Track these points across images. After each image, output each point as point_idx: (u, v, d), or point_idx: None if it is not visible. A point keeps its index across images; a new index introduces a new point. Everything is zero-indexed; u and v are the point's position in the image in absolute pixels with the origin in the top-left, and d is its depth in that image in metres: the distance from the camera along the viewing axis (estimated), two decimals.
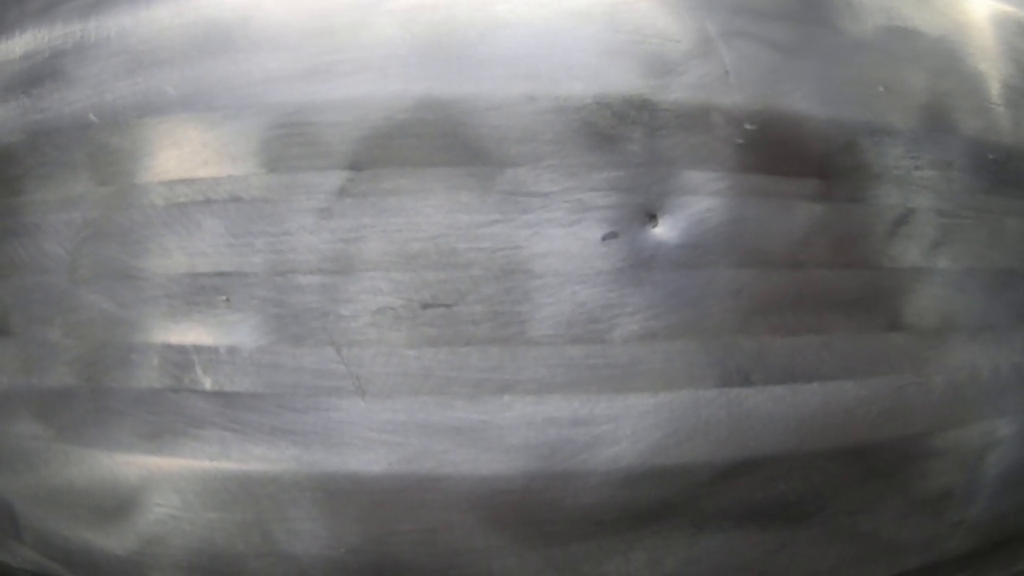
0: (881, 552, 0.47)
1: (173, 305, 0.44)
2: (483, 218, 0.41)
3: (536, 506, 0.42)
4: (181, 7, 0.45)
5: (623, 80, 0.42)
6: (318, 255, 0.42)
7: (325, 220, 0.42)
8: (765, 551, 0.45)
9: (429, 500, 0.42)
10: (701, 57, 0.43)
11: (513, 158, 0.41)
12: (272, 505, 0.43)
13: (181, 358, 0.43)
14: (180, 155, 0.43)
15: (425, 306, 0.41)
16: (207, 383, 0.43)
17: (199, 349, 0.43)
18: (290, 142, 0.42)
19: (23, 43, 0.47)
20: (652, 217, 0.42)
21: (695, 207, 0.42)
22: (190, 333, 0.43)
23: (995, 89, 0.49)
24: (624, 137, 0.42)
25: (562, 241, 0.41)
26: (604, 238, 0.42)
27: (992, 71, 0.50)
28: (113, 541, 0.47)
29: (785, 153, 0.44)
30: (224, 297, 0.43)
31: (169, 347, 0.44)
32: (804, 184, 0.44)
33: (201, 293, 0.43)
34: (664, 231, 0.42)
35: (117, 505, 0.46)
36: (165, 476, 0.44)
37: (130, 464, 0.45)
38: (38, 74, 0.46)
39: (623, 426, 0.42)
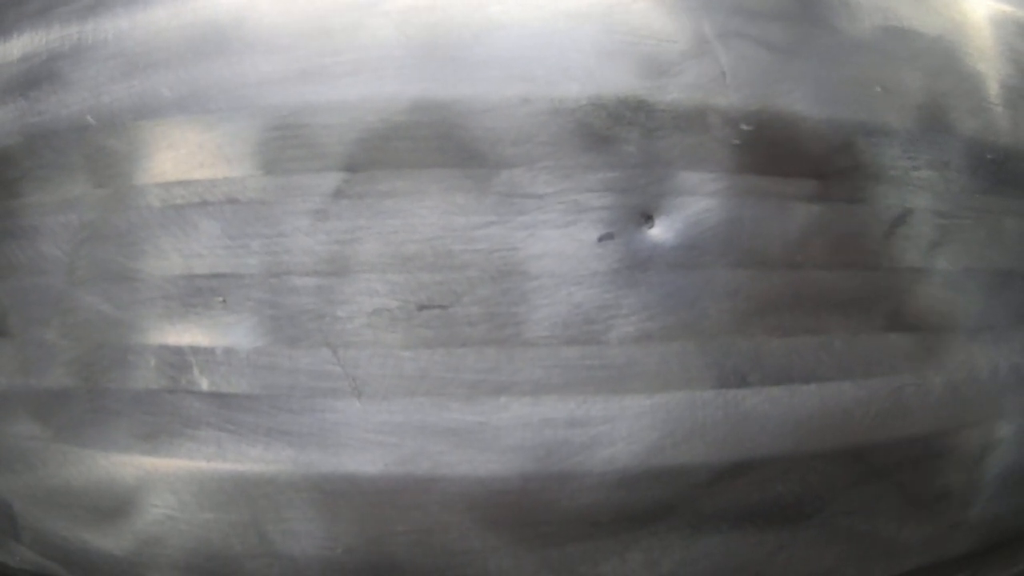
0: (880, 553, 0.47)
1: (170, 306, 0.44)
2: (479, 220, 0.41)
3: (532, 507, 0.42)
4: (178, 9, 0.45)
5: (619, 81, 0.42)
6: (314, 257, 0.42)
7: (321, 222, 0.42)
8: (763, 552, 0.45)
9: (425, 501, 0.42)
10: (697, 58, 0.43)
11: (508, 160, 0.41)
12: (268, 506, 0.43)
13: (178, 359, 0.44)
14: (176, 157, 0.44)
15: (421, 307, 0.41)
16: (204, 384, 0.43)
17: (196, 350, 0.43)
18: (286, 144, 0.42)
19: (21, 46, 0.48)
20: (648, 218, 0.42)
21: (691, 208, 0.42)
22: (187, 334, 0.43)
23: (993, 89, 0.49)
24: (620, 138, 0.42)
25: (558, 242, 0.41)
26: (600, 239, 0.42)
27: (990, 71, 0.49)
28: (110, 541, 0.47)
29: (782, 154, 0.44)
30: (220, 298, 0.43)
31: (166, 348, 0.44)
32: (801, 185, 0.44)
33: (198, 294, 0.43)
34: (660, 232, 0.42)
35: (114, 505, 0.46)
36: (161, 477, 0.44)
37: (127, 465, 0.45)
38: (35, 77, 0.47)
39: (619, 427, 0.42)
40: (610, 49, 0.42)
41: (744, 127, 0.43)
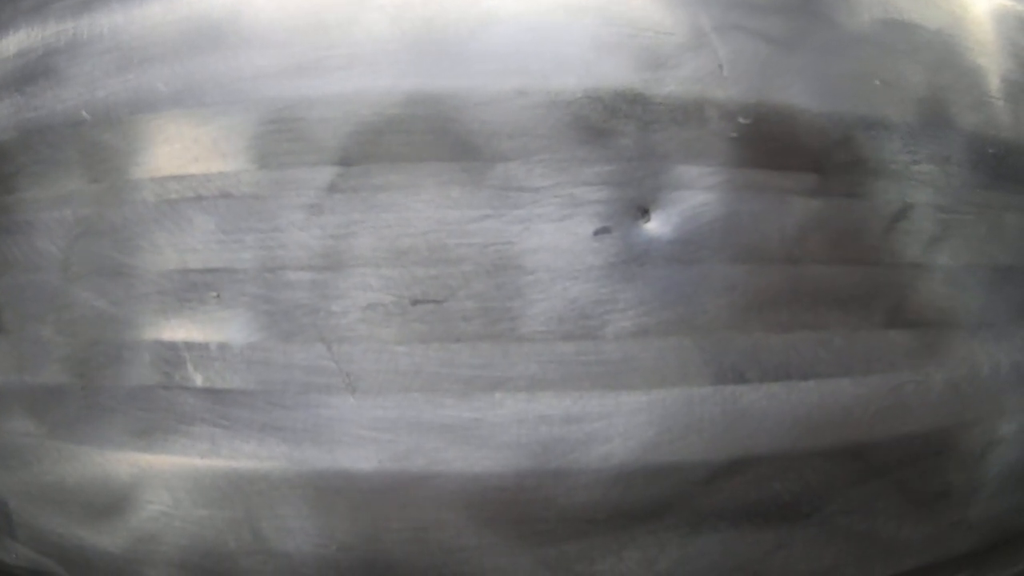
0: (879, 552, 0.47)
1: (164, 302, 0.43)
2: (474, 213, 0.41)
3: (528, 504, 0.42)
4: (173, 4, 0.45)
5: (615, 74, 0.41)
6: (308, 251, 0.42)
7: (315, 216, 0.42)
8: (761, 551, 0.45)
9: (420, 498, 0.42)
10: (695, 50, 0.42)
11: (504, 153, 0.41)
12: (262, 502, 0.43)
13: (172, 355, 0.43)
14: (171, 151, 0.43)
15: (415, 302, 0.41)
16: (198, 380, 0.43)
17: (190, 346, 0.43)
18: (280, 138, 0.42)
19: (16, 41, 0.48)
20: (645, 212, 0.42)
21: (689, 202, 0.42)
22: (181, 330, 0.43)
23: (994, 83, 0.49)
24: (616, 131, 0.41)
25: (553, 236, 0.41)
26: (596, 233, 0.41)
27: (991, 65, 0.49)
28: (106, 538, 0.47)
29: (780, 147, 0.43)
30: (215, 293, 0.43)
31: (160, 344, 0.44)
32: (800, 179, 0.44)
33: (192, 290, 0.43)
34: (657, 226, 0.42)
35: (109, 502, 0.46)
36: (156, 473, 0.44)
37: (121, 461, 0.45)
38: (31, 72, 0.47)
39: (615, 424, 0.42)
40: (607, 42, 0.42)
41: (742, 120, 0.42)
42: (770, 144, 0.43)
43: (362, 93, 0.41)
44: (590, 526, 0.43)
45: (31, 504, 0.48)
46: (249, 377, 0.42)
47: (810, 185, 0.44)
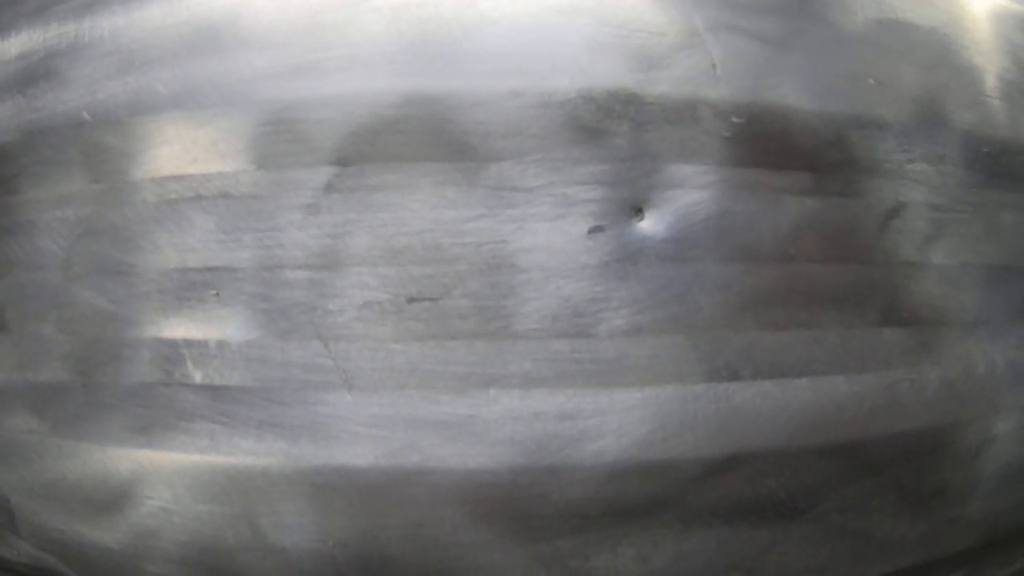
0: (874, 550, 0.47)
1: (164, 300, 0.44)
2: (468, 213, 0.41)
3: (522, 500, 0.42)
4: (173, 6, 0.45)
5: (608, 74, 0.42)
6: (305, 250, 0.42)
7: (312, 216, 0.42)
8: (755, 548, 0.45)
9: (416, 494, 0.42)
10: (688, 50, 0.43)
11: (498, 153, 0.41)
12: (260, 498, 0.43)
13: (172, 352, 0.44)
14: (171, 152, 0.44)
15: (411, 300, 0.42)
16: (197, 377, 0.43)
17: (189, 343, 0.44)
18: (278, 139, 0.42)
19: (18, 43, 0.48)
20: (638, 211, 0.42)
21: (682, 201, 0.42)
22: (180, 327, 0.44)
23: (990, 82, 0.49)
24: (610, 131, 0.42)
25: (547, 235, 0.41)
26: (590, 232, 0.42)
27: (987, 64, 0.49)
28: (106, 534, 0.47)
29: (774, 147, 0.44)
30: (214, 292, 0.43)
31: (160, 341, 0.44)
32: (794, 178, 0.44)
33: (191, 288, 0.44)
34: (650, 225, 0.42)
35: (110, 499, 0.46)
36: (156, 469, 0.45)
37: (122, 458, 0.45)
38: (33, 74, 0.47)
39: (609, 421, 0.42)
40: (600, 42, 0.42)
41: (735, 120, 0.43)
42: (764, 143, 0.43)
43: (359, 94, 0.42)
44: (584, 522, 0.43)
45: (33, 501, 0.49)
46: (247, 374, 0.43)
47: (804, 184, 0.44)
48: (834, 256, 0.44)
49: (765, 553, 0.45)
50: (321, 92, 0.42)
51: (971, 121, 0.48)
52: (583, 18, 0.42)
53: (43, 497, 0.48)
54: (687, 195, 0.42)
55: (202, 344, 0.43)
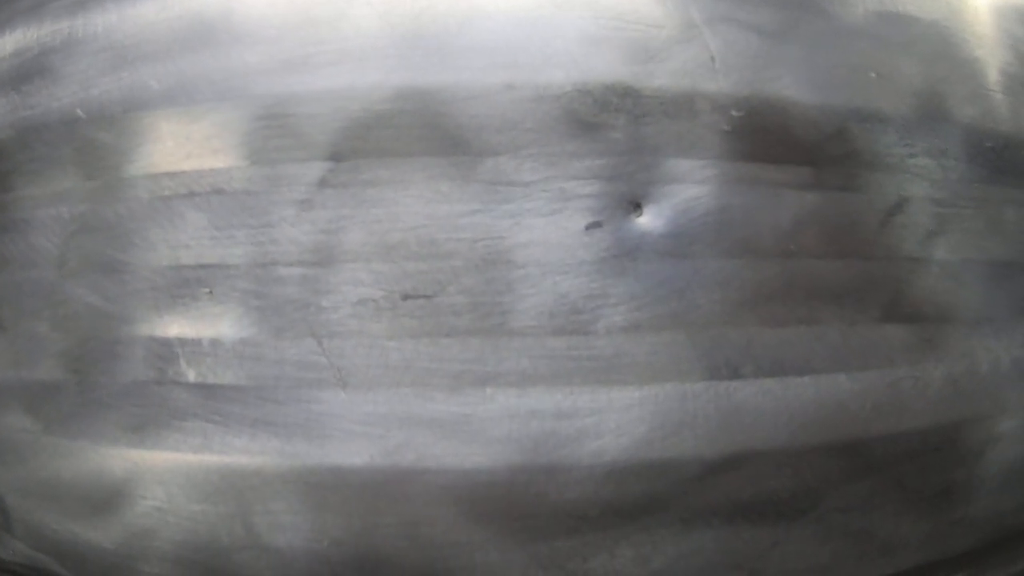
0: (877, 550, 0.46)
1: (157, 298, 0.44)
2: (463, 208, 0.41)
3: (519, 500, 0.42)
4: (166, 3, 0.45)
5: (604, 67, 0.41)
6: (299, 247, 0.42)
7: (306, 212, 0.42)
8: (757, 548, 0.44)
9: (411, 493, 0.42)
10: (685, 43, 0.42)
11: (493, 147, 0.41)
12: (254, 497, 0.43)
13: (165, 350, 0.44)
14: (164, 149, 0.44)
15: (405, 297, 0.41)
16: (190, 375, 0.43)
17: (183, 341, 0.43)
18: (271, 134, 0.42)
19: (13, 41, 0.48)
20: (636, 206, 0.42)
21: (681, 196, 0.42)
22: (174, 325, 0.43)
23: (992, 76, 0.48)
24: (606, 125, 0.41)
25: (544, 231, 0.41)
26: (587, 227, 0.41)
27: (989, 58, 0.48)
28: (101, 534, 0.47)
29: (773, 140, 0.43)
30: (207, 289, 0.43)
31: (154, 340, 0.44)
32: (794, 172, 0.43)
33: (185, 285, 0.43)
34: (649, 220, 0.42)
35: (104, 498, 0.46)
36: (150, 468, 0.44)
37: (116, 457, 0.45)
38: (27, 71, 0.47)
39: (607, 419, 0.41)
40: (596, 35, 0.42)
41: (734, 113, 0.42)
42: (763, 137, 0.43)
43: (351, 89, 0.41)
44: (582, 522, 0.42)
45: (28, 500, 0.49)
46: (241, 372, 0.42)
47: (804, 178, 0.43)
48: (835, 251, 0.44)
49: (767, 553, 0.44)
50: (314, 87, 0.42)
51: (973, 115, 0.47)
52: (578, 10, 0.42)
53: (38, 496, 0.48)
54: (686, 190, 0.42)
55: (195, 342, 0.43)
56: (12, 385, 0.48)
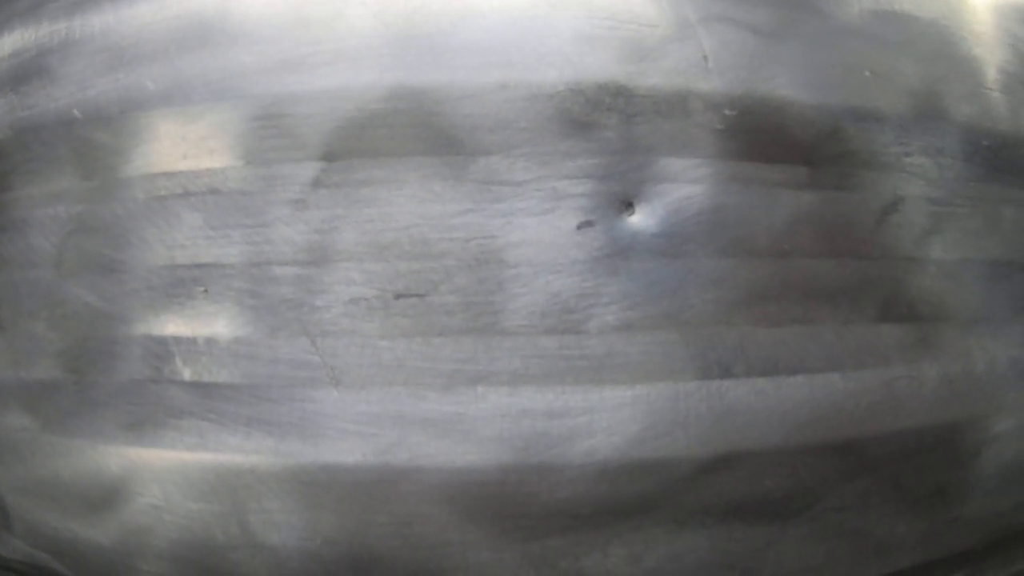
0: (873, 550, 0.46)
1: (154, 297, 0.44)
2: (456, 207, 0.41)
3: (512, 499, 0.42)
4: (163, 3, 0.45)
5: (597, 66, 0.41)
6: (293, 246, 0.42)
7: (300, 211, 0.42)
8: (751, 548, 0.44)
9: (404, 492, 0.42)
10: (679, 42, 0.42)
11: (486, 147, 0.41)
12: (249, 496, 0.43)
13: (161, 349, 0.44)
14: (160, 149, 0.44)
15: (398, 296, 0.41)
16: (186, 374, 0.43)
17: (178, 340, 0.43)
18: (266, 134, 0.42)
19: (11, 42, 0.48)
20: (629, 205, 0.42)
21: (674, 195, 0.42)
22: (170, 324, 0.44)
23: (991, 74, 0.48)
24: (599, 124, 0.41)
25: (536, 230, 0.41)
26: (579, 227, 0.41)
27: (987, 56, 0.48)
28: (98, 532, 0.47)
29: (768, 140, 0.43)
30: (202, 288, 0.43)
31: (150, 338, 0.44)
32: (789, 171, 0.43)
33: (180, 285, 0.43)
34: (641, 219, 0.42)
35: (101, 496, 0.46)
36: (146, 467, 0.44)
37: (113, 455, 0.45)
38: (25, 72, 0.47)
39: (599, 419, 0.41)
40: (589, 34, 0.42)
41: (728, 112, 0.42)
42: (757, 136, 0.43)
43: (345, 88, 0.41)
44: (575, 522, 0.42)
45: (26, 498, 0.49)
46: (235, 371, 0.43)
47: (799, 178, 0.43)
48: (830, 251, 0.44)
49: (761, 553, 0.44)
50: (308, 87, 0.42)
51: (970, 114, 0.47)
52: (572, 10, 0.42)
53: (36, 495, 0.49)
54: (679, 189, 0.42)
55: (191, 341, 0.43)
56: (11, 384, 0.48)
